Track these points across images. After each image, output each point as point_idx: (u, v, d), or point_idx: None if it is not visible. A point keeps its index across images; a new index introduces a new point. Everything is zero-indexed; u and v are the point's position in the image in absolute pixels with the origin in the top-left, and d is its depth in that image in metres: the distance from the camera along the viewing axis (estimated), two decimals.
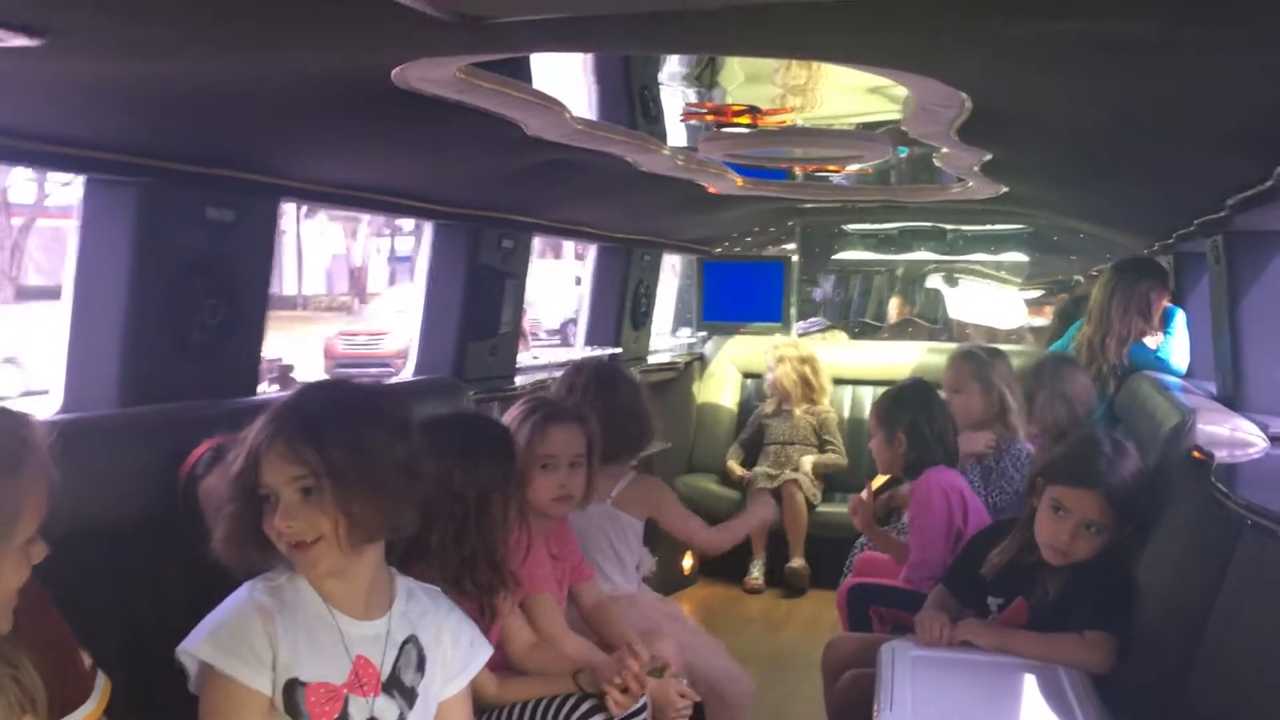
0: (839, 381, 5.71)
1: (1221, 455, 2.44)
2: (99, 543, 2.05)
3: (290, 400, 1.78)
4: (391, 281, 23.46)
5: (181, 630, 1.72)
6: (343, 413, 1.74)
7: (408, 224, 21.75)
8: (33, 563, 1.42)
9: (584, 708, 2.30)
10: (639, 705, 2.41)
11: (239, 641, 1.65)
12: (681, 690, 2.57)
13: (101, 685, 1.64)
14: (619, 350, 5.25)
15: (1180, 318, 3.93)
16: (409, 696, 1.79)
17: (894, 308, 7.27)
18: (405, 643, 1.80)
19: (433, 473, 1.80)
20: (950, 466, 3.33)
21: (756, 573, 5.26)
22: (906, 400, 3.34)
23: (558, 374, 4.29)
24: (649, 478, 3.33)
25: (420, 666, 1.81)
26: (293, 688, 1.68)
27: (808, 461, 5.34)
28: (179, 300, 2.57)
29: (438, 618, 1.86)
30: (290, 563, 1.74)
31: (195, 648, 1.66)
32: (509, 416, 2.70)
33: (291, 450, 1.66)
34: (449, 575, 2.10)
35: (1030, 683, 2.35)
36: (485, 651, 1.93)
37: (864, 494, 3.63)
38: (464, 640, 1.89)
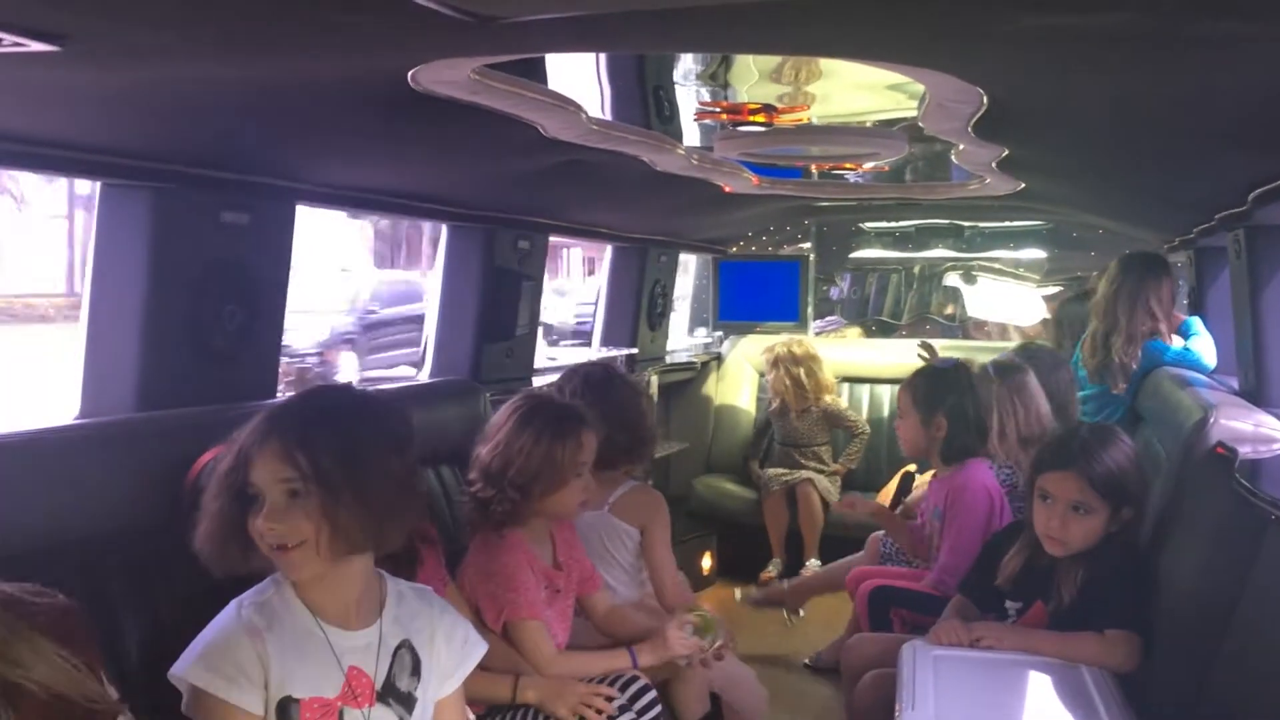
0: (852, 380, 5.68)
1: (1245, 451, 2.42)
2: (113, 548, 2.06)
3: (288, 402, 1.76)
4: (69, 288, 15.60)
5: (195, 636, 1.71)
6: (340, 420, 1.71)
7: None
8: None
9: None
10: (650, 699, 2.43)
11: (229, 663, 1.63)
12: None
13: None
14: (635, 351, 5.24)
15: (1198, 324, 3.85)
16: (407, 703, 1.77)
17: (938, 308, 7.29)
18: (399, 648, 1.78)
19: (426, 490, 1.77)
20: (984, 455, 3.24)
21: (772, 569, 5.23)
22: (950, 381, 3.25)
23: None
24: (651, 491, 3.22)
25: (416, 670, 1.79)
26: (286, 705, 1.66)
27: (833, 476, 5.30)
28: (196, 305, 2.57)
29: (430, 619, 1.83)
30: (274, 572, 1.72)
31: (185, 671, 1.64)
32: (504, 416, 2.59)
33: (284, 451, 1.64)
34: None
35: (1053, 681, 2.33)
36: (479, 649, 1.90)
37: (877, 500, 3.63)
38: (457, 639, 1.86)
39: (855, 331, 6.80)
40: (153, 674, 1.94)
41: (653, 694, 2.47)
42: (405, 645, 1.79)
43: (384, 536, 1.72)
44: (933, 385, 3.25)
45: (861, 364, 5.77)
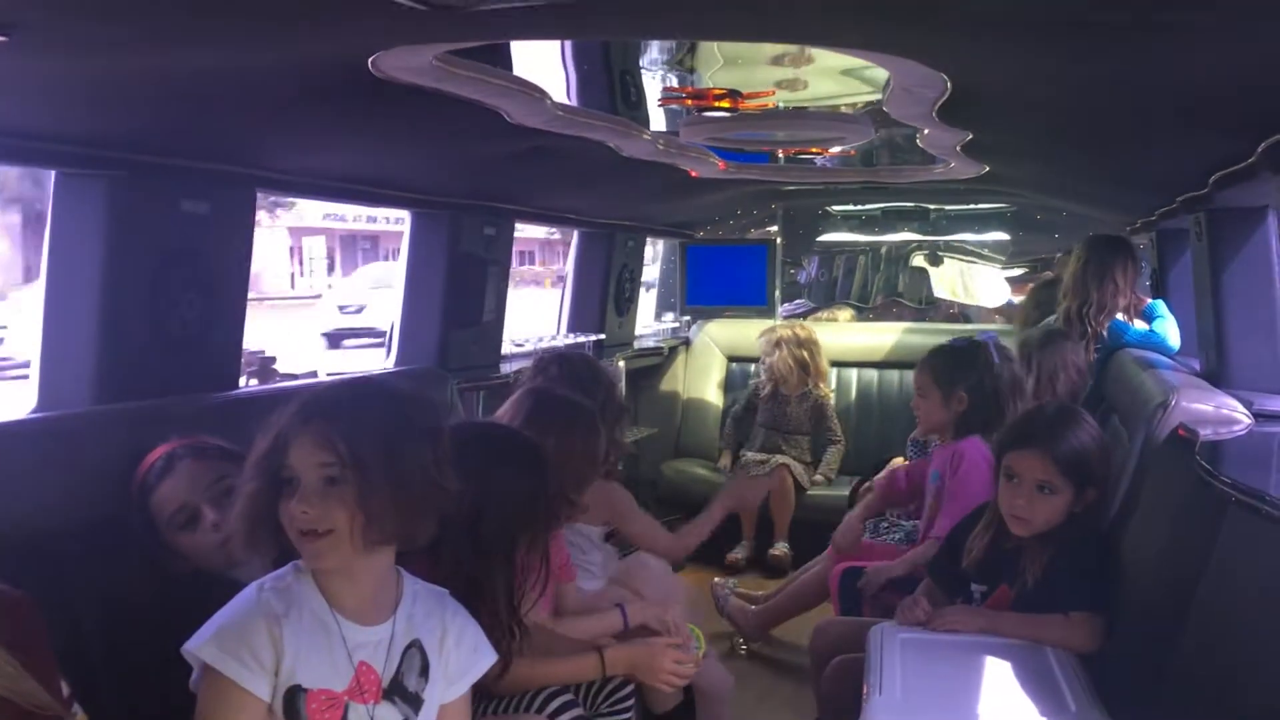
0: (840, 364, 5.72)
1: (1206, 433, 2.44)
2: (73, 541, 2.04)
3: (325, 389, 1.75)
4: None
5: (154, 634, 1.69)
6: (379, 409, 1.71)
7: None
8: None
9: (558, 702, 2.29)
10: (626, 690, 2.43)
11: (242, 645, 1.62)
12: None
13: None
14: (603, 336, 5.23)
15: (1163, 307, 3.92)
16: (413, 702, 1.76)
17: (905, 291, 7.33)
18: (409, 648, 1.77)
19: (457, 486, 1.75)
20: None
21: (740, 552, 5.24)
22: (969, 359, 3.34)
23: None
24: (609, 484, 3.14)
25: (424, 672, 1.78)
26: (294, 695, 1.65)
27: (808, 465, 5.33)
28: (156, 294, 2.54)
29: (442, 620, 1.82)
30: (297, 560, 1.70)
31: (199, 647, 1.62)
32: (512, 413, 2.56)
33: (324, 436, 1.63)
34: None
35: (1018, 663, 2.35)
36: (489, 658, 1.88)
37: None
38: (467, 644, 1.84)
39: (847, 314, 6.77)
40: (113, 667, 1.92)
41: (629, 686, 2.47)
42: (416, 645, 1.78)
43: (414, 529, 1.71)
44: (953, 363, 3.35)
45: (847, 346, 5.80)
